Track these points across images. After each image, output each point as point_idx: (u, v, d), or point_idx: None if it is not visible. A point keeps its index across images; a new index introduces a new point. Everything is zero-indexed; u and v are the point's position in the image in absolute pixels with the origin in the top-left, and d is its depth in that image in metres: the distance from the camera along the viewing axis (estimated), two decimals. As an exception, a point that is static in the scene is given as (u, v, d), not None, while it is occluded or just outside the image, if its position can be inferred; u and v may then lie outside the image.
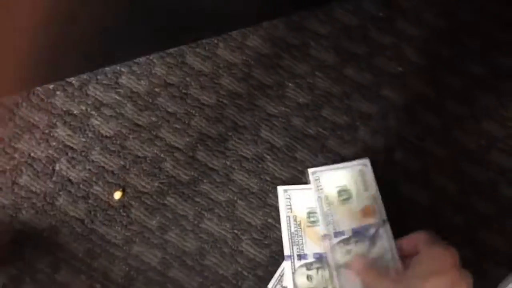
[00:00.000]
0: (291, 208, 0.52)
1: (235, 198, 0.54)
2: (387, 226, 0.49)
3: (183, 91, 0.56)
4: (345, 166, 0.53)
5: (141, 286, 0.52)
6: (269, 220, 0.54)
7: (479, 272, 0.45)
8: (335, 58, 0.58)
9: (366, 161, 0.53)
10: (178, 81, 0.56)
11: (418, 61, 0.58)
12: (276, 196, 0.54)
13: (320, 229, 0.50)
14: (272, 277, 0.52)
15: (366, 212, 0.50)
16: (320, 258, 0.51)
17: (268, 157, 0.55)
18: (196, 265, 0.52)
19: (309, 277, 0.50)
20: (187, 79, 0.57)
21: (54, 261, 0.52)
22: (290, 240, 0.51)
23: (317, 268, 0.50)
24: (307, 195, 0.53)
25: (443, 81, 0.58)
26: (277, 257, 0.53)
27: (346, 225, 0.50)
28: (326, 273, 0.50)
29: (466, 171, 0.55)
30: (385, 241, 0.48)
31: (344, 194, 0.51)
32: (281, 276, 0.52)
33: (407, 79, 0.58)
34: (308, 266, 0.50)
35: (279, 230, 0.53)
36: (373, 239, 0.49)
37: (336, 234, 0.49)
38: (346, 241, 0.49)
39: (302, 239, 0.51)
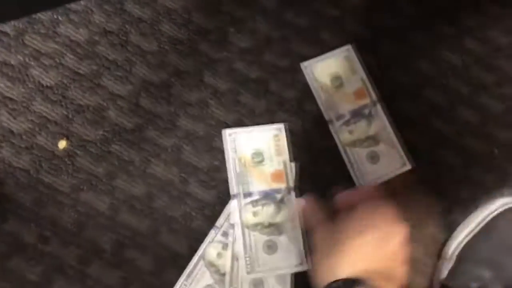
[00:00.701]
0: (235, 150, 0.55)
1: (181, 143, 0.56)
2: (292, 195, 0.54)
3: (123, 38, 0.57)
4: (262, 130, 0.56)
5: (91, 231, 0.54)
6: (215, 163, 0.56)
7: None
8: (274, 2, 0.60)
9: (281, 126, 0.56)
10: (117, 28, 0.57)
11: (355, 3, 0.61)
12: (222, 140, 0.57)
13: (230, 189, 0.54)
14: (219, 216, 0.55)
15: (276, 176, 0.54)
16: (265, 195, 0.54)
17: (212, 101, 0.58)
18: (145, 208, 0.55)
19: (255, 213, 0.54)
20: (127, 26, 0.57)
21: (0, 212, 0.53)
22: (236, 179, 0.54)
23: (263, 205, 0.54)
24: (251, 137, 0.56)
25: (379, 21, 0.61)
26: (224, 197, 0.56)
27: (256, 187, 0.54)
28: (270, 208, 0.54)
29: (401, 107, 0.59)
30: (290, 209, 0.53)
31: (257, 157, 0.54)
32: (229, 214, 0.55)
33: (345, 22, 0.60)
34: (254, 203, 0.54)
35: (225, 171, 0.56)
36: (279, 204, 0.53)
37: (246, 195, 0.53)
38: (254, 203, 0.52)
39: (248, 179, 0.54)
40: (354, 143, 0.56)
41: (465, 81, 0.61)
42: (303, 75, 0.59)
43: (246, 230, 0.53)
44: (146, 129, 0.56)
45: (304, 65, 0.59)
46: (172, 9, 0.58)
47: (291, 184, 0.55)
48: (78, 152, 0.55)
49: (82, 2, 0.58)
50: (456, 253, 0.54)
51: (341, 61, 0.58)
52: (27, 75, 0.55)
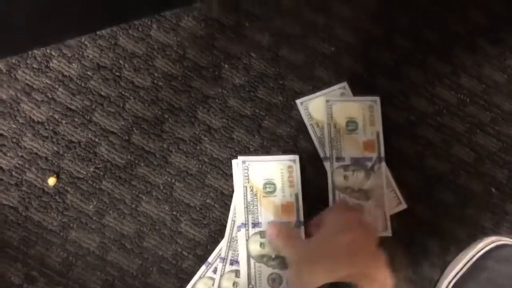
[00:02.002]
0: (248, 178, 0.57)
1: (173, 180, 0.58)
2: (302, 229, 0.56)
3: (117, 73, 0.59)
4: (274, 160, 0.58)
5: (80, 271, 0.55)
6: (208, 201, 0.58)
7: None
8: (269, 38, 0.62)
9: (295, 157, 0.58)
10: (111, 63, 0.59)
11: (350, 41, 0.63)
12: (214, 177, 0.58)
13: (238, 217, 0.56)
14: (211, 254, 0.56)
15: (287, 208, 0.56)
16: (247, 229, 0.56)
17: (205, 138, 0.59)
18: (135, 248, 0.56)
19: (262, 245, 0.55)
20: (120, 61, 0.59)
21: (-13, 251, 0.54)
22: (246, 208, 0.55)
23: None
24: (265, 166, 0.57)
25: (375, 59, 0.63)
26: (216, 236, 0.57)
27: (265, 218, 0.55)
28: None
29: (396, 145, 0.61)
30: None
31: (268, 187, 0.56)
32: (220, 249, 0.56)
33: (339, 59, 0.62)
34: (262, 234, 0.55)
35: (218, 210, 0.57)
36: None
37: (254, 225, 0.55)
38: (262, 234, 0.54)
39: (257, 208, 0.56)
40: (345, 189, 0.58)
41: (461, 119, 0.63)
42: (297, 112, 0.61)
43: (252, 261, 0.54)
44: (138, 165, 0.57)
45: (299, 101, 0.61)
46: (166, 44, 0.60)
47: (301, 218, 0.56)
48: (69, 189, 0.56)
49: (76, 37, 0.59)
50: None
51: (364, 109, 0.60)
52: (18, 110, 0.57)
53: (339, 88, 0.61)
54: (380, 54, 0.63)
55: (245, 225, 0.55)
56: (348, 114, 0.60)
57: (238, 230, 0.55)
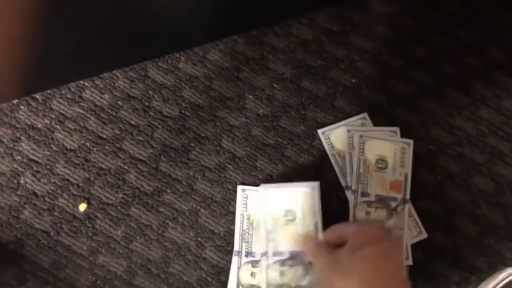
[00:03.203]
0: (246, 207, 0.60)
1: (198, 207, 0.62)
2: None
3: (146, 103, 0.64)
4: (295, 186, 0.60)
5: (108, 295, 0.58)
6: (232, 227, 0.61)
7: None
8: (292, 70, 0.66)
9: (315, 185, 0.61)
10: (140, 94, 0.64)
11: (370, 73, 0.67)
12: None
13: (236, 245, 0.59)
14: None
15: (307, 237, 0.59)
16: (294, 256, 0.58)
17: (230, 166, 0.63)
18: (161, 273, 0.59)
19: (253, 274, 0.58)
20: (150, 92, 0.64)
21: (20, 273, 0.58)
22: (241, 236, 0.59)
23: (290, 266, 0.58)
24: (283, 194, 0.60)
25: (395, 90, 0.67)
26: (240, 262, 0.60)
27: (286, 246, 0.58)
28: (271, 272, 0.58)
29: (419, 177, 0.65)
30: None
31: (289, 215, 0.59)
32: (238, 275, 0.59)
33: (360, 90, 0.66)
34: (254, 264, 0.58)
35: (241, 236, 0.61)
36: (307, 266, 0.58)
37: (247, 254, 0.58)
38: (254, 263, 0.58)
39: (252, 238, 0.59)
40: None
41: (481, 150, 0.66)
42: (319, 141, 0.64)
43: None
44: (165, 192, 0.61)
45: (321, 131, 0.65)
46: (194, 76, 0.65)
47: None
48: (98, 214, 0.60)
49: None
50: None
51: (396, 150, 0.63)
52: (52, 138, 0.62)
53: (360, 119, 0.65)
54: (399, 85, 0.67)
55: (238, 252, 0.58)
56: (379, 152, 0.63)
57: (234, 256, 0.58)
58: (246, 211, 0.60)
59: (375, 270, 0.47)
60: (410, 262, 0.60)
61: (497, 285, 0.59)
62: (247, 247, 0.58)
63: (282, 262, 0.58)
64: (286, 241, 0.59)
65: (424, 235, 0.61)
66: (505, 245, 0.63)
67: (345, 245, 0.50)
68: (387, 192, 0.61)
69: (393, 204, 0.61)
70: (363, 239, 0.49)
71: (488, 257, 0.63)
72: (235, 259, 0.58)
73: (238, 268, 0.57)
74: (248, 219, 0.59)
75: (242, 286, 0.57)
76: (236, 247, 0.59)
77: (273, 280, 0.57)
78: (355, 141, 0.63)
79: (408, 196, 0.61)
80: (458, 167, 0.65)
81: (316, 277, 0.53)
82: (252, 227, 0.59)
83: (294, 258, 0.58)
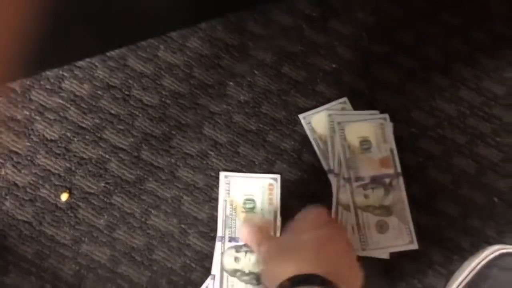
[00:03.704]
0: (229, 193, 0.61)
1: (181, 194, 0.62)
2: None
3: (126, 92, 0.64)
4: (257, 177, 0.62)
5: (92, 284, 0.59)
6: (215, 214, 0.62)
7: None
8: (272, 57, 0.67)
9: (277, 176, 0.63)
10: (120, 83, 0.64)
11: (350, 58, 0.68)
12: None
13: (219, 230, 0.60)
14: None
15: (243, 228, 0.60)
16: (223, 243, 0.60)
17: (212, 153, 0.64)
18: (145, 260, 0.60)
19: (236, 259, 0.59)
20: (129, 81, 0.64)
21: (2, 265, 0.58)
22: (223, 222, 0.59)
23: (246, 252, 0.60)
24: (246, 182, 0.62)
25: (375, 75, 0.68)
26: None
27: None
28: (253, 256, 0.59)
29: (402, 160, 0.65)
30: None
31: (249, 204, 0.61)
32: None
33: (340, 75, 0.67)
34: (237, 249, 0.59)
35: (225, 222, 0.61)
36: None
37: (231, 239, 0.59)
38: (238, 248, 0.59)
39: (235, 223, 0.60)
40: (366, 208, 0.62)
41: (462, 131, 0.67)
42: (300, 126, 0.65)
43: (225, 274, 0.59)
44: (147, 180, 0.62)
45: (302, 116, 0.65)
46: (173, 64, 0.65)
47: (278, 235, 0.60)
48: (80, 204, 0.61)
49: (86, 58, 0.65)
50: None
51: (375, 127, 0.64)
52: (32, 129, 0.62)
53: (340, 103, 0.66)
54: (379, 70, 0.68)
55: (222, 238, 0.59)
56: (360, 133, 0.64)
57: (217, 242, 0.59)
58: (229, 197, 0.61)
59: (315, 255, 0.46)
60: (415, 246, 0.61)
61: (479, 263, 0.60)
62: (230, 233, 0.59)
63: (238, 248, 0.59)
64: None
65: (415, 245, 0.62)
66: (488, 225, 0.65)
67: (290, 226, 0.50)
68: (378, 170, 0.62)
69: (387, 180, 0.62)
70: (305, 223, 0.50)
71: (472, 236, 0.64)
72: (218, 245, 0.59)
73: (222, 253, 0.58)
74: (231, 205, 0.60)
75: (226, 271, 0.58)
76: (219, 233, 0.59)
77: (228, 265, 0.58)
78: (336, 128, 0.64)
79: (399, 170, 0.63)
80: (440, 149, 0.66)
81: (261, 263, 0.53)
82: (235, 212, 0.60)
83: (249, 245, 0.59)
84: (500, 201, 0.66)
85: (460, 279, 0.60)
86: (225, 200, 0.61)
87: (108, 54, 0.65)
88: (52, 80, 0.64)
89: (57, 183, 0.61)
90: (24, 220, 0.60)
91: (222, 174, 0.62)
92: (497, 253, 0.60)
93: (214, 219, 0.62)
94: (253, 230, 0.57)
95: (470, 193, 0.65)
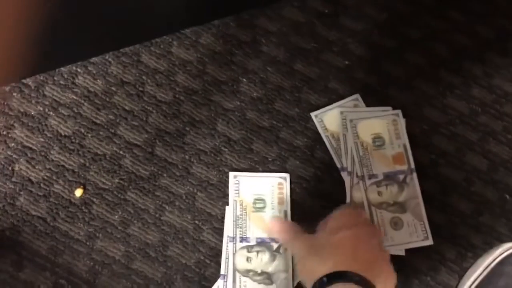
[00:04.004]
0: (239, 193, 0.61)
1: (195, 190, 0.63)
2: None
3: (140, 89, 0.64)
4: (266, 176, 0.63)
5: (106, 280, 0.59)
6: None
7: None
8: (285, 53, 0.68)
9: (286, 175, 0.63)
10: (134, 79, 0.65)
11: (362, 55, 0.69)
12: (234, 187, 0.63)
13: (230, 231, 0.60)
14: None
15: (274, 224, 0.60)
16: (261, 242, 0.60)
17: (225, 149, 0.64)
18: (159, 256, 0.60)
19: (248, 259, 0.59)
20: (143, 77, 0.65)
21: (17, 260, 0.59)
22: (234, 222, 0.60)
23: (257, 252, 0.60)
24: (256, 182, 0.62)
25: (387, 71, 0.68)
26: (237, 244, 0.61)
27: (254, 233, 0.60)
28: (265, 256, 0.59)
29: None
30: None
31: (259, 203, 0.61)
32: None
33: (353, 72, 0.68)
34: (249, 249, 0.60)
35: (239, 219, 0.62)
36: (276, 251, 0.60)
37: (242, 239, 0.60)
38: (249, 248, 0.59)
39: (246, 223, 0.60)
40: (380, 205, 0.62)
41: (473, 128, 0.68)
42: (313, 123, 0.66)
43: (238, 275, 0.59)
44: (161, 176, 0.62)
45: (314, 114, 0.66)
46: (187, 60, 0.66)
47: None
48: (95, 200, 0.61)
49: (100, 55, 0.65)
50: None
51: (388, 124, 0.65)
52: (46, 125, 0.62)
53: (352, 100, 0.67)
54: (391, 66, 0.68)
55: (233, 238, 0.59)
56: (372, 130, 0.64)
57: (229, 242, 0.59)
58: (238, 196, 0.61)
59: (352, 254, 0.48)
60: (430, 241, 0.62)
61: (493, 260, 0.61)
62: (241, 233, 0.59)
63: (249, 248, 0.59)
64: (254, 227, 0.60)
65: (430, 241, 0.62)
66: (500, 222, 0.65)
67: (324, 225, 0.51)
68: (392, 167, 0.63)
69: (401, 176, 0.63)
70: (341, 223, 0.50)
71: (484, 234, 0.65)
72: (230, 245, 0.59)
73: (234, 254, 0.58)
74: (241, 205, 0.61)
75: (238, 271, 0.58)
76: (230, 233, 0.60)
77: (240, 265, 0.59)
78: (348, 125, 0.64)
79: (413, 166, 0.63)
80: (452, 146, 0.67)
81: (295, 260, 0.54)
82: (246, 212, 0.60)
83: (260, 245, 0.60)
84: (511, 198, 0.66)
85: (474, 276, 0.61)
86: (235, 200, 0.61)
87: (122, 50, 0.65)
88: (66, 76, 0.64)
89: (71, 178, 0.61)
90: (38, 215, 0.60)
91: (232, 174, 0.62)
92: (510, 251, 0.61)
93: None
94: (285, 226, 0.57)
95: (482, 190, 0.66)
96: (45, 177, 0.61)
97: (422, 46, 0.69)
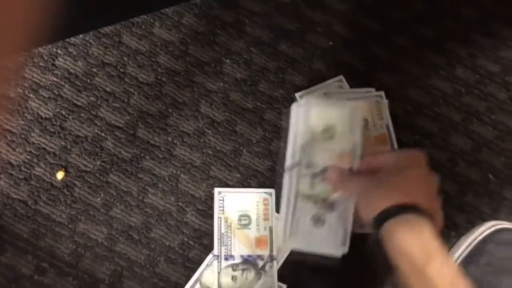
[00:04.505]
0: (223, 210, 0.61)
1: (178, 172, 0.62)
2: (275, 263, 0.60)
3: (121, 70, 0.64)
4: (250, 192, 0.62)
5: (89, 262, 0.59)
6: (212, 192, 0.62)
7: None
8: (269, 34, 0.67)
9: (271, 191, 0.62)
10: (115, 60, 0.64)
11: (346, 36, 0.68)
12: (219, 168, 0.63)
13: (215, 249, 0.60)
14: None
15: (261, 241, 0.60)
16: (247, 260, 0.60)
17: (209, 131, 0.64)
18: (143, 238, 0.60)
19: (234, 278, 0.59)
20: (124, 58, 0.64)
21: (-2, 244, 0.58)
22: (219, 240, 0.60)
23: (243, 270, 0.60)
24: (241, 198, 0.62)
25: (371, 53, 0.68)
26: (221, 226, 0.61)
27: (239, 250, 0.60)
28: (251, 274, 0.59)
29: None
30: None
31: (244, 220, 0.61)
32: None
33: (337, 53, 0.68)
34: (234, 267, 0.59)
35: (222, 200, 0.62)
36: (261, 269, 0.59)
37: (227, 257, 0.59)
38: (234, 266, 0.59)
39: (231, 240, 0.60)
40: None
41: (457, 109, 0.68)
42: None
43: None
44: (143, 159, 0.62)
45: (298, 95, 0.66)
46: (169, 41, 0.65)
47: (274, 252, 0.60)
48: (76, 182, 0.61)
49: (80, 36, 0.64)
50: None
51: (371, 105, 0.65)
52: (26, 107, 0.62)
53: (336, 81, 0.66)
54: (376, 48, 0.68)
55: (217, 257, 0.59)
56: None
57: (212, 261, 0.59)
58: (223, 213, 0.61)
59: (417, 189, 0.49)
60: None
61: (476, 238, 0.61)
62: (226, 251, 0.59)
63: (234, 267, 0.59)
64: (239, 245, 0.60)
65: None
66: (483, 201, 0.66)
67: (387, 165, 0.51)
68: (375, 147, 0.63)
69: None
70: (405, 162, 0.51)
71: (467, 213, 0.65)
72: (214, 264, 0.59)
73: (219, 272, 0.58)
74: (226, 221, 0.60)
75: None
76: (215, 251, 0.59)
77: (225, 285, 0.58)
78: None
79: (396, 146, 0.64)
80: (436, 127, 0.67)
81: (357, 198, 0.53)
82: (231, 229, 0.60)
83: (246, 263, 0.59)
84: (494, 178, 0.67)
85: (456, 254, 0.61)
86: (219, 218, 0.60)
87: (102, 31, 0.64)
88: (45, 58, 0.63)
89: (52, 161, 0.61)
90: (19, 199, 0.59)
91: (216, 190, 0.62)
92: (492, 229, 0.62)
93: (211, 197, 0.62)
94: (343, 173, 0.56)
95: (466, 171, 0.67)
96: (26, 160, 0.60)
97: (406, 28, 0.69)
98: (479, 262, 0.60)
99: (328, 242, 0.55)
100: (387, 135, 0.64)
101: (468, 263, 0.61)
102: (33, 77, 0.62)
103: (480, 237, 0.62)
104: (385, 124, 0.64)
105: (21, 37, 0.57)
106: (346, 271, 0.58)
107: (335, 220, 0.55)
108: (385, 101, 0.65)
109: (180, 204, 0.61)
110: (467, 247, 0.62)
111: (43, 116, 0.61)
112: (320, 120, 0.56)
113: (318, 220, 0.55)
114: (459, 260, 0.61)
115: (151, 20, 0.65)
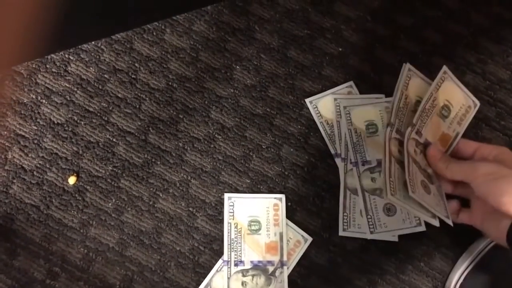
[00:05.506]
0: (233, 215, 0.62)
1: (189, 178, 0.63)
2: (285, 268, 0.60)
3: (132, 76, 0.65)
4: (260, 197, 0.63)
5: (100, 267, 0.60)
6: (223, 197, 0.63)
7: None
8: (278, 40, 0.68)
9: (281, 196, 0.63)
10: (127, 67, 0.65)
11: (356, 42, 0.69)
12: (229, 174, 0.64)
13: (224, 254, 0.60)
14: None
15: (271, 247, 0.61)
16: (257, 266, 0.60)
17: (219, 137, 0.65)
18: (154, 243, 0.61)
19: (244, 283, 0.60)
20: (136, 64, 0.65)
21: (11, 248, 0.59)
22: (229, 246, 0.60)
23: (253, 275, 0.60)
24: (251, 203, 0.62)
25: (381, 58, 0.69)
26: (232, 231, 0.62)
27: (249, 256, 0.60)
28: (261, 280, 0.60)
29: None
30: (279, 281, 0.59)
31: (254, 225, 0.61)
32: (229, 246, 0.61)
33: (346, 59, 0.68)
34: (244, 273, 0.60)
35: (233, 206, 0.63)
36: (271, 274, 0.60)
37: (237, 263, 0.60)
38: (244, 272, 0.59)
39: (241, 246, 0.61)
40: (374, 191, 0.63)
41: (467, 115, 0.68)
42: (307, 110, 0.66)
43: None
44: (154, 164, 0.63)
45: (309, 100, 0.67)
46: (180, 48, 0.66)
47: (285, 257, 0.61)
48: (88, 187, 0.61)
49: (92, 42, 0.66)
50: (458, 286, 0.60)
51: (381, 112, 0.66)
52: (38, 112, 0.63)
53: (346, 87, 0.67)
54: (385, 53, 0.69)
55: (227, 262, 0.59)
56: (366, 117, 0.65)
57: (222, 266, 0.59)
58: (233, 219, 0.61)
59: None
60: (423, 228, 0.63)
61: (487, 246, 0.61)
62: (236, 256, 0.60)
63: (244, 272, 0.59)
64: (249, 250, 0.60)
65: (423, 227, 0.63)
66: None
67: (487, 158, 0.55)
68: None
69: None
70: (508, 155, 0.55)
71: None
72: (224, 269, 0.59)
73: (229, 278, 0.59)
74: (236, 227, 0.61)
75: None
76: (225, 257, 0.60)
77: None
78: (342, 112, 0.65)
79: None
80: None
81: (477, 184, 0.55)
82: (241, 235, 0.61)
83: (256, 268, 0.60)
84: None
85: (468, 261, 0.62)
86: (229, 223, 0.61)
87: (114, 37, 0.65)
88: (58, 64, 0.64)
89: (64, 166, 0.62)
90: (32, 203, 0.60)
91: (226, 196, 0.62)
92: None
93: (221, 203, 0.63)
94: (440, 152, 0.60)
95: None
96: (38, 165, 0.61)
97: (416, 34, 0.70)
98: (488, 271, 0.61)
99: (439, 207, 0.57)
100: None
101: (479, 269, 0.61)
102: (45, 83, 0.63)
103: (492, 244, 0.62)
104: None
105: (33, 44, 0.58)
106: (355, 277, 0.59)
107: (436, 192, 0.58)
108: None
109: (190, 209, 0.62)
110: (478, 254, 0.62)
111: (56, 122, 0.63)
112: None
113: (426, 186, 0.57)
114: (470, 267, 0.61)
115: (162, 27, 0.66)
